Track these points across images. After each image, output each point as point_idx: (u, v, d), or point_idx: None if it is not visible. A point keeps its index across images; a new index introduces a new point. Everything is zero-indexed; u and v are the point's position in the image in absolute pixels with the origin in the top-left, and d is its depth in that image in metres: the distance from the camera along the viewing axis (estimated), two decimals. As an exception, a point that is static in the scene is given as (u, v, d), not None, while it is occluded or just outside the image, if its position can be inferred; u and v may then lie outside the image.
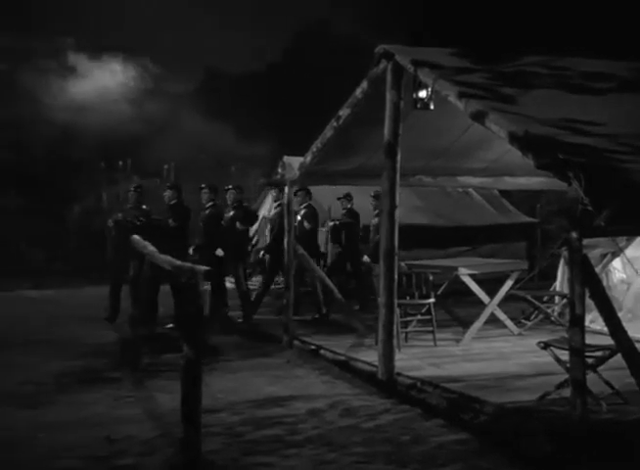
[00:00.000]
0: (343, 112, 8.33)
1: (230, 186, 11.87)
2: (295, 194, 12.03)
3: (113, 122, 20.44)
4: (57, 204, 18.01)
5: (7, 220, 17.67)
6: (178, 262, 6.16)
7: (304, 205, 11.88)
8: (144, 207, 11.51)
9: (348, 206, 12.54)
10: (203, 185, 11.67)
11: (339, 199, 12.73)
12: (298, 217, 11.70)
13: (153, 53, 23.41)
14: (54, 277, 15.85)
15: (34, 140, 19.87)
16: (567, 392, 5.68)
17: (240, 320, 11.31)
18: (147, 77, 23.72)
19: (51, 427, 6.14)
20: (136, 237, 8.73)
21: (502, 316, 9.50)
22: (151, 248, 7.89)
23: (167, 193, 11.26)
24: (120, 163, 19.39)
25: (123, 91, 22.72)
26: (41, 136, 19.84)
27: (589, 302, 5.43)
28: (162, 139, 21.12)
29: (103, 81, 22.20)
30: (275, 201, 12.27)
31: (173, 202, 11.09)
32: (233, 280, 11.83)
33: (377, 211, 12.00)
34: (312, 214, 11.86)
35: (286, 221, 9.89)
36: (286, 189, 10.04)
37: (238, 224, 11.45)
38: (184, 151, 20.64)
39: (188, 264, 5.76)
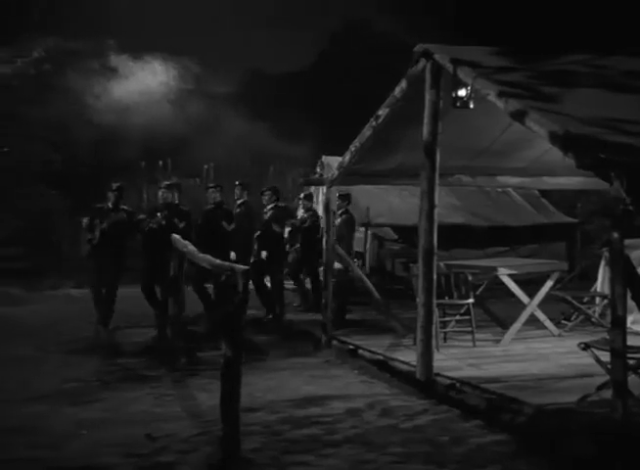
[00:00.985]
0: (382, 111, 8.32)
1: (211, 185, 11.62)
2: (261, 193, 11.91)
3: (154, 123, 20.60)
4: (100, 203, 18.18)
5: (52, 221, 17.91)
6: (218, 261, 6.21)
7: (270, 206, 11.50)
8: (123, 207, 10.86)
9: (310, 205, 12.22)
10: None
11: (299, 199, 12.40)
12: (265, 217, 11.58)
13: (194, 54, 23.61)
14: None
15: (78, 140, 20.10)
16: (607, 393, 5.64)
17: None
18: (188, 78, 23.90)
19: (93, 424, 6.24)
20: (176, 236, 8.81)
21: (542, 317, 9.41)
22: (191, 247, 7.96)
23: (166, 194, 10.56)
24: (160, 162, 19.54)
25: (165, 92, 22.89)
26: (84, 136, 20.06)
27: (631, 303, 5.38)
28: (203, 139, 21.25)
29: (145, 82, 22.39)
30: (238, 199, 11.69)
31: (169, 202, 10.58)
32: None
33: (340, 211, 11.00)
34: (281, 216, 11.56)
35: (325, 221, 9.90)
36: (324, 189, 10.03)
37: (225, 224, 10.94)
38: (224, 151, 20.74)
39: (227, 263, 5.81)
